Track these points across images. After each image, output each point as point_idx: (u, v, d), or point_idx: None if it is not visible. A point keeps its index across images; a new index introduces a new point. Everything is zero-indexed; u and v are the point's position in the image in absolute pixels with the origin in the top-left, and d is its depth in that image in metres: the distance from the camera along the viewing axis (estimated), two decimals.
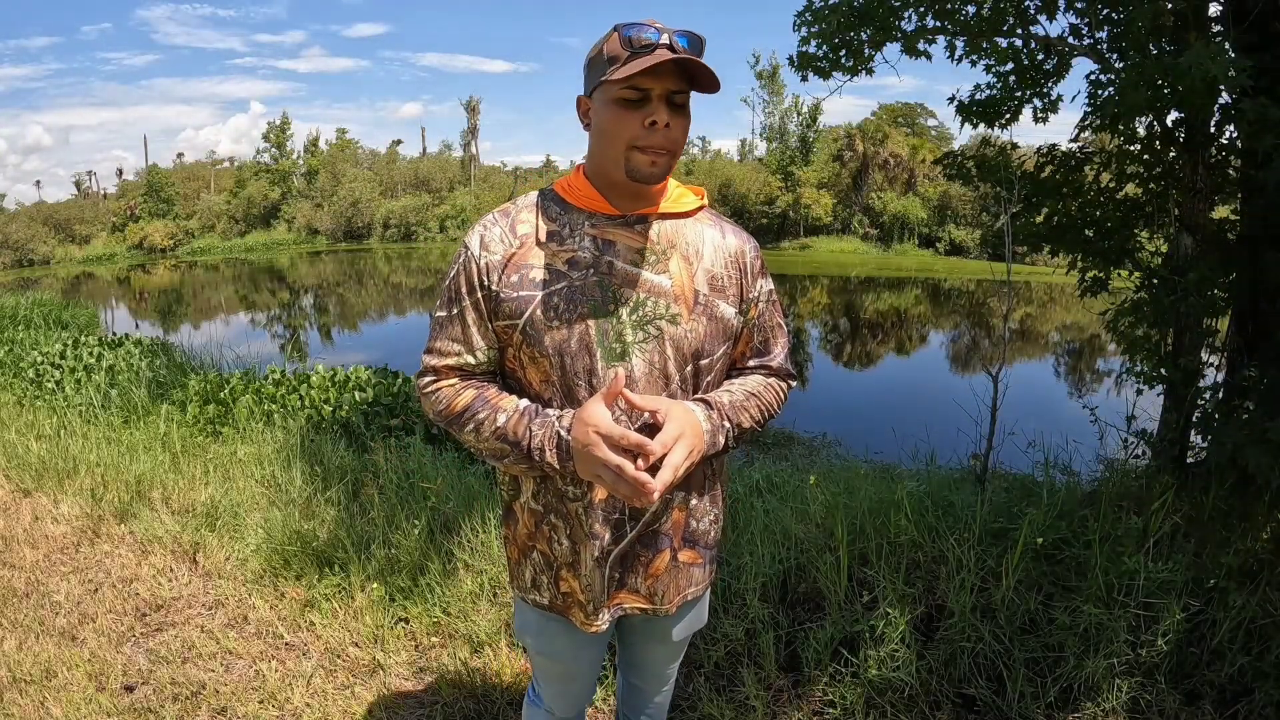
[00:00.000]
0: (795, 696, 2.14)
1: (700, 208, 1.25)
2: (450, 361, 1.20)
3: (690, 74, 1.09)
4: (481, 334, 1.19)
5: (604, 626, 1.27)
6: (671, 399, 1.15)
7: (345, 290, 22.94)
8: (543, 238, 1.18)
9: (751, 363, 1.32)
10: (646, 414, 1.11)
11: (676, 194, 1.22)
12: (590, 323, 1.14)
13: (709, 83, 1.09)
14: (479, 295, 1.17)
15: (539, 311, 1.15)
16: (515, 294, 1.16)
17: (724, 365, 1.27)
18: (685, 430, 1.08)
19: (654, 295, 1.17)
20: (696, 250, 1.21)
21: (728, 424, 1.19)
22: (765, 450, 5.72)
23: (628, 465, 1.03)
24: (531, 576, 1.30)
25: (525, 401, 1.17)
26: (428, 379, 1.23)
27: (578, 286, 1.15)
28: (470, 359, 1.20)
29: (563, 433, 1.11)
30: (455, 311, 1.19)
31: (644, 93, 1.08)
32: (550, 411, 1.15)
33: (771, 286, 1.32)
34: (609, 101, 1.10)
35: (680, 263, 1.19)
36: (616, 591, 1.26)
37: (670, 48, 1.06)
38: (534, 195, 1.24)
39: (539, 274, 1.16)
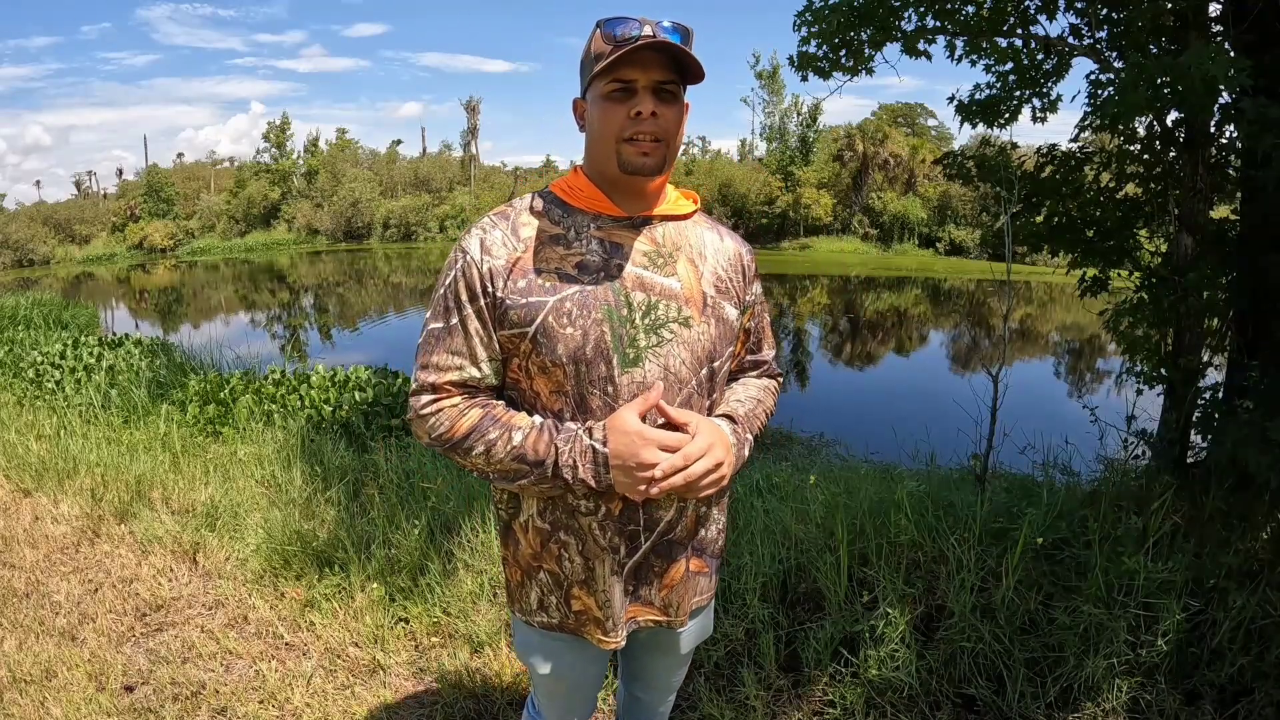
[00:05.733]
0: (795, 696, 2.14)
1: (695, 211, 1.25)
2: (452, 376, 1.13)
3: (679, 64, 1.07)
4: (485, 344, 1.13)
5: (622, 642, 1.23)
6: (699, 414, 1.16)
7: (345, 290, 22.94)
8: (548, 241, 1.14)
9: (748, 359, 1.35)
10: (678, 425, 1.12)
11: (674, 197, 1.22)
12: (605, 328, 1.11)
13: (695, 71, 1.08)
14: (482, 303, 1.12)
15: (551, 318, 1.10)
16: (524, 300, 1.10)
17: (729, 367, 1.27)
18: (715, 443, 1.11)
19: (665, 298, 1.14)
20: (700, 253, 1.20)
21: (750, 436, 1.23)
22: (765, 450, 5.71)
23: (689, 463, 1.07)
24: (538, 598, 1.24)
25: (538, 418, 1.13)
26: (426, 398, 1.14)
27: (589, 291, 1.11)
28: (475, 371, 1.14)
29: (597, 446, 1.08)
30: (455, 321, 1.13)
31: (630, 84, 1.07)
32: (571, 426, 1.11)
33: (761, 289, 1.34)
34: (598, 98, 1.10)
35: (687, 265, 1.18)
36: (630, 604, 1.23)
37: (653, 38, 1.04)
38: (531, 197, 1.20)
39: (549, 279, 1.11)
